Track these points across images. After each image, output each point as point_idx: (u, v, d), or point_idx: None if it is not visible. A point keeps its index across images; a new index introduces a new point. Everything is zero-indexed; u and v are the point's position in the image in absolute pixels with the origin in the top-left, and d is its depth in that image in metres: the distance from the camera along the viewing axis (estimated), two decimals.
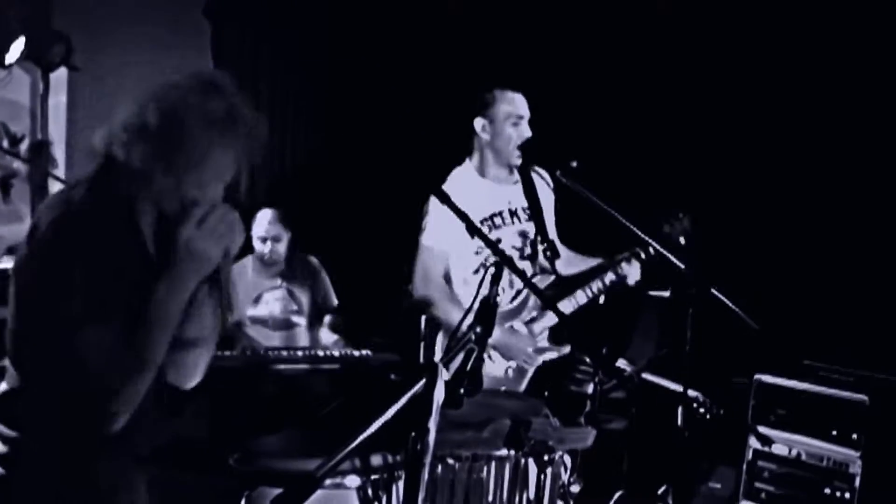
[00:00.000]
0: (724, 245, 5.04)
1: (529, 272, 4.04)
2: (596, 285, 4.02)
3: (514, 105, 3.96)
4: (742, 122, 5.33)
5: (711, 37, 5.46)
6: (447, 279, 3.94)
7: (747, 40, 5.33)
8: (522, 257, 4.05)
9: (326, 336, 5.43)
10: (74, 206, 2.11)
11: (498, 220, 3.99)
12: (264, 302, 5.35)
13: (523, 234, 4.06)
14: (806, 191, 5.12)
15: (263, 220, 5.26)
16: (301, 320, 5.43)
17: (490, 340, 3.72)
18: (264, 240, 5.25)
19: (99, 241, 2.08)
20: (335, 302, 5.54)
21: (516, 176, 4.11)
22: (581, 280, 4.08)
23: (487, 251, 3.83)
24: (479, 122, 3.96)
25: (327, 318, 5.48)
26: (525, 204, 4.08)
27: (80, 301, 2.00)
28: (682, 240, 3.89)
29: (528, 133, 3.96)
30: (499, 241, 3.90)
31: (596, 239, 4.01)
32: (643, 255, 4.01)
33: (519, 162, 3.99)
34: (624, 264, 4.03)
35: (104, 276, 2.04)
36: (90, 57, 5.47)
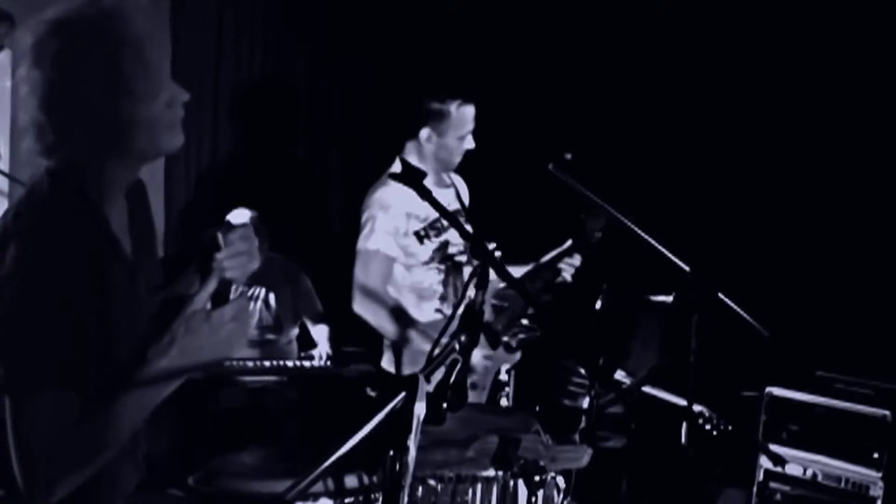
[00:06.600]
0: (731, 246, 5.07)
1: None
2: (538, 284, 4.11)
3: (466, 122, 4.03)
4: (756, 122, 5.40)
5: (715, 34, 5.53)
6: (386, 287, 4.00)
7: (750, 37, 5.41)
8: (467, 262, 4.16)
9: (320, 334, 5.43)
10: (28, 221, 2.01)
11: (446, 222, 4.05)
12: None
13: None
14: (818, 189, 5.17)
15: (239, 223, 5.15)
16: (275, 336, 5.42)
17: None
18: None
19: (64, 264, 1.96)
20: (320, 307, 5.50)
21: (449, 179, 4.24)
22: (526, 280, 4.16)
23: (438, 257, 4.03)
24: (424, 132, 4.02)
25: (325, 330, 5.46)
26: (458, 206, 4.20)
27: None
28: (597, 235, 3.98)
29: (471, 145, 4.07)
30: (446, 243, 4.03)
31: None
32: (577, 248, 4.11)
33: (455, 165, 4.13)
34: (566, 259, 4.12)
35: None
36: None
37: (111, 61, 1.99)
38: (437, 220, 4.03)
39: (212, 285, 2.17)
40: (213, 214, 5.26)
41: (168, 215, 5.64)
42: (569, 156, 3.62)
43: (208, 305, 2.13)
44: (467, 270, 4.12)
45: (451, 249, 4.06)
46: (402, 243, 3.93)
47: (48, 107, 1.99)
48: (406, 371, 4.00)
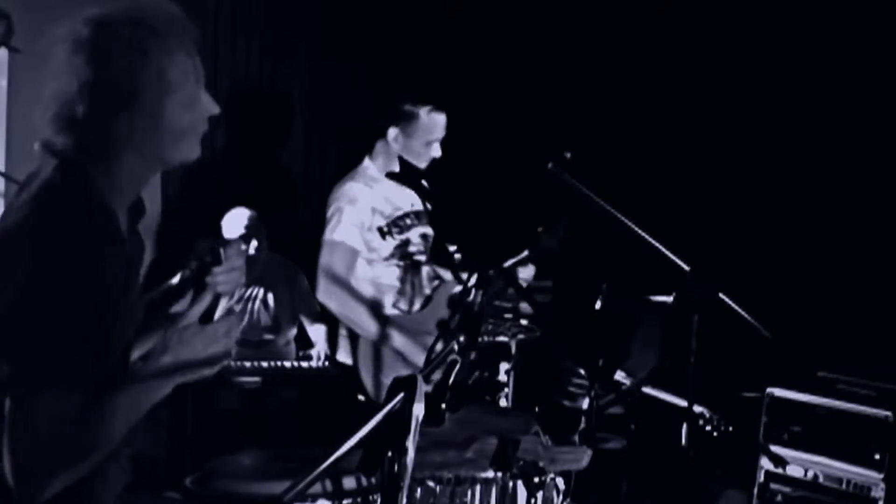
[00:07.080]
0: (731, 246, 5.07)
1: (426, 275, 4.26)
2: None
3: (435, 129, 4.12)
4: (756, 122, 5.41)
5: (715, 34, 5.54)
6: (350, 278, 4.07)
7: (750, 37, 5.43)
8: (426, 261, 4.27)
9: (317, 334, 5.43)
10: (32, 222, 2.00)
11: (409, 221, 4.18)
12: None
13: (424, 237, 4.26)
14: (818, 189, 5.17)
15: (238, 223, 5.16)
16: (273, 336, 5.41)
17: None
18: None
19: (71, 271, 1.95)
20: (318, 308, 5.48)
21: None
22: None
23: (398, 254, 4.12)
24: (392, 132, 4.11)
25: (322, 330, 5.46)
26: (422, 209, 4.28)
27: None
28: (553, 248, 4.04)
29: (438, 153, 4.15)
30: (407, 241, 4.13)
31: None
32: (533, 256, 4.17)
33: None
34: (520, 268, 4.20)
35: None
36: (32, 37, 5.41)
37: (168, 64, 2.08)
38: (399, 218, 4.14)
39: (207, 300, 2.21)
40: (212, 214, 5.25)
41: (165, 214, 5.62)
42: (568, 155, 3.62)
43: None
44: (425, 269, 4.20)
45: (411, 248, 4.16)
46: (366, 238, 4.03)
47: (92, 98, 2.01)
48: (363, 362, 4.07)
